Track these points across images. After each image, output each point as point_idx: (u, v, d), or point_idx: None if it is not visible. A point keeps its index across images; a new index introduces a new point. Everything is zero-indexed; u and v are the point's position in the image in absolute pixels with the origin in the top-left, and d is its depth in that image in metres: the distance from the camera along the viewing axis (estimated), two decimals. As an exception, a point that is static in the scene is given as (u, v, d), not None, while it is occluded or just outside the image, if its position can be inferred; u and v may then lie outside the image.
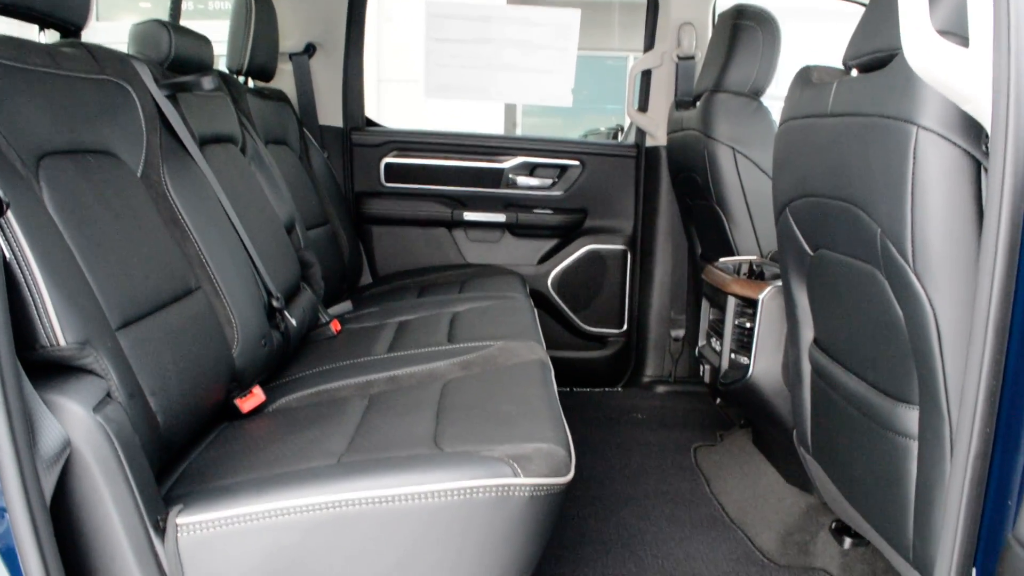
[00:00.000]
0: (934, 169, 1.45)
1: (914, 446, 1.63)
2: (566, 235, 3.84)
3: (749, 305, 2.48)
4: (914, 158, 1.46)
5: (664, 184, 3.73)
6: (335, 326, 2.78)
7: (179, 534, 1.41)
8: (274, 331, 2.31)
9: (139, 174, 1.95)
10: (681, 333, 3.81)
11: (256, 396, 2.04)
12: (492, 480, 1.38)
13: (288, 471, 1.53)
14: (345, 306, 3.14)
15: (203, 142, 2.34)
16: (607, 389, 3.87)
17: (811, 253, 1.99)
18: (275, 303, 2.34)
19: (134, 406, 1.49)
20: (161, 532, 1.42)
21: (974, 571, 1.31)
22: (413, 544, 1.42)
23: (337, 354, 2.42)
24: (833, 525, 2.38)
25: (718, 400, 3.58)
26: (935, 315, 1.48)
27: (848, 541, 2.30)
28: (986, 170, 1.43)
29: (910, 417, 1.63)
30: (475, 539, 1.41)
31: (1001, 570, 1.25)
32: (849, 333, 1.87)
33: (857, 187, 1.64)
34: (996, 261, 1.25)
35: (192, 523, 1.41)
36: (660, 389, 3.84)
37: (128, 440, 1.41)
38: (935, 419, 1.54)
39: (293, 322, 2.40)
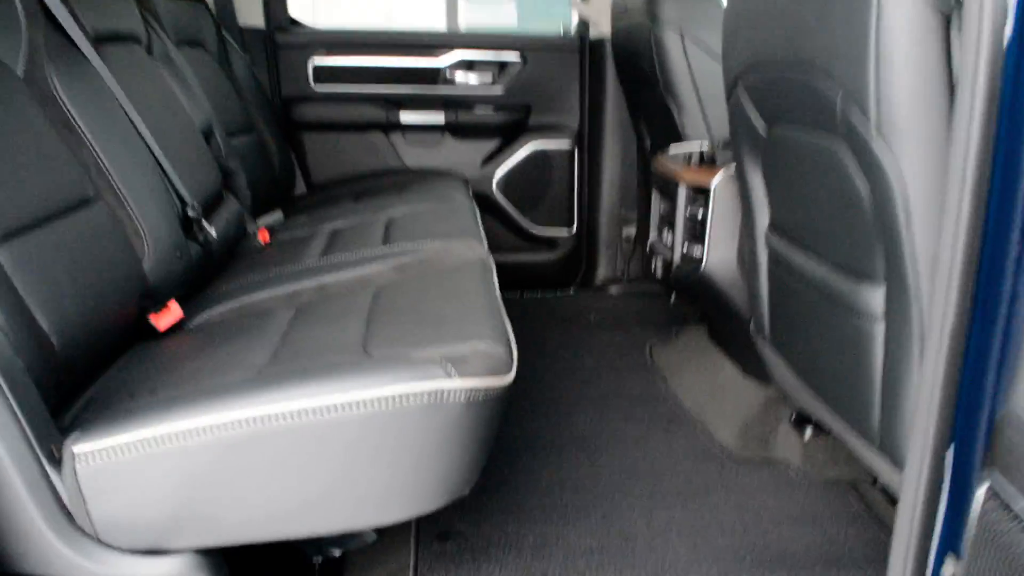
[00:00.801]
0: (899, 20, 1.30)
1: (879, 327, 1.53)
2: (509, 134, 3.65)
3: (701, 193, 2.35)
4: (877, 8, 1.31)
5: (610, 77, 3.54)
6: (263, 236, 2.60)
7: (77, 464, 1.26)
8: (192, 243, 2.13)
9: (20, 74, 1.73)
10: (633, 231, 3.68)
11: (172, 312, 1.86)
12: (424, 384, 1.24)
13: (199, 388, 1.38)
14: (275, 216, 2.95)
15: (99, 40, 2.11)
16: (559, 292, 3.75)
17: (765, 131, 1.84)
18: (190, 212, 2.15)
19: (16, 326, 1.32)
20: (57, 463, 1.27)
21: (950, 451, 1.22)
22: (340, 460, 1.28)
23: (265, 265, 2.25)
24: (793, 416, 2.31)
25: (672, 298, 3.48)
26: (903, 183, 1.35)
27: (808, 431, 2.23)
28: (957, 26, 1.29)
29: (875, 297, 1.52)
30: (409, 450, 1.28)
31: (996, 446, 1.15)
32: (808, 214, 1.74)
33: (816, 48, 1.49)
34: (973, 116, 1.11)
35: (91, 451, 1.26)
36: (613, 290, 3.73)
37: (7, 364, 1.24)
38: (902, 297, 1.43)
39: (213, 232, 2.22)
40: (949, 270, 1.15)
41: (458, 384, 1.25)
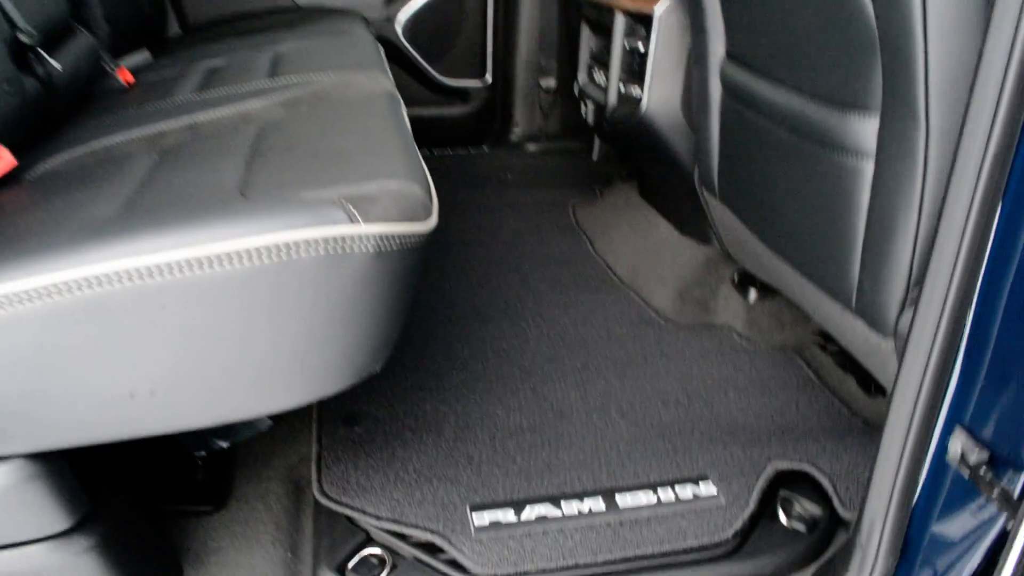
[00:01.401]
0: None
1: (868, 166, 1.29)
2: (416, -31, 3.22)
3: (641, 23, 2.04)
4: None
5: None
6: (124, 76, 2.17)
7: None
8: (27, 76, 1.72)
9: None
10: (552, 83, 3.35)
11: (3, 159, 1.48)
12: (320, 230, 0.93)
13: (23, 247, 1.04)
14: (141, 56, 2.50)
15: None
16: (471, 150, 3.43)
17: (729, -66, 1.54)
18: (23, 38, 1.73)
19: None
20: None
21: (971, 311, 1.00)
22: (212, 332, 0.98)
23: (124, 107, 1.86)
24: (735, 277, 2.10)
25: (595, 156, 3.21)
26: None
27: (754, 293, 2.03)
28: None
29: (865, 129, 1.27)
30: (304, 317, 0.99)
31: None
32: (780, 35, 1.47)
33: None
34: None
35: None
36: (531, 147, 3.42)
37: None
38: (904, 127, 1.18)
39: (56, 65, 1.81)
40: (997, 93, 0.90)
41: (364, 230, 0.95)
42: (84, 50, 2.10)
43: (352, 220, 0.95)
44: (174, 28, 3.22)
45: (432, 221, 1.08)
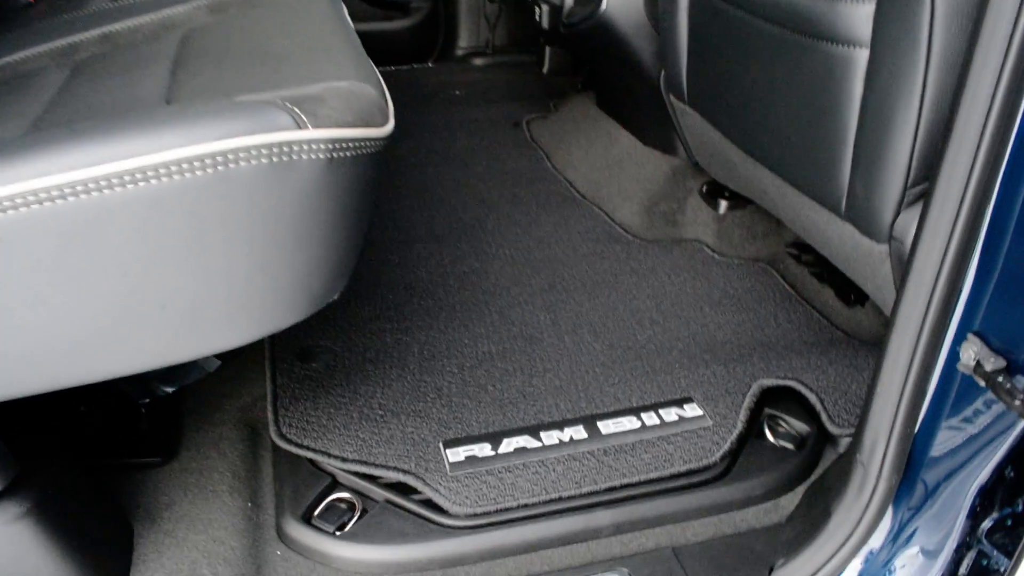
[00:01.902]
0: None
1: (862, 55, 1.18)
2: None
3: (599, -85, 1.89)
4: None
5: None
6: (29, -13, 1.96)
7: None
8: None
9: None
10: (497, -9, 3.17)
11: None
12: (261, 137, 0.80)
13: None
14: (47, -34, 2.27)
15: None
16: (415, 65, 3.24)
17: None
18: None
19: None
20: None
21: (989, 209, 0.91)
22: (143, 260, 0.84)
23: (28, 20, 1.66)
24: (704, 188, 2.00)
25: (546, 68, 3.05)
26: None
27: (723, 204, 1.93)
28: None
29: (859, 14, 1.16)
30: (249, 238, 0.85)
31: None
32: (755, -84, 1.34)
33: None
34: None
35: None
36: (477, 61, 3.25)
37: None
38: (907, 9, 1.07)
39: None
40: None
41: (313, 135, 0.82)
42: (-21, -40, 1.88)
43: (299, 125, 0.82)
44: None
45: (389, 125, 0.95)
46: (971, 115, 0.89)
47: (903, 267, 1.15)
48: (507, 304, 1.67)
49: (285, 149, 0.80)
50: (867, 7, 1.15)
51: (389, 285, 1.73)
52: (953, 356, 1.00)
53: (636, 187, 2.08)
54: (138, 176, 0.79)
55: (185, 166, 0.78)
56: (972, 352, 0.97)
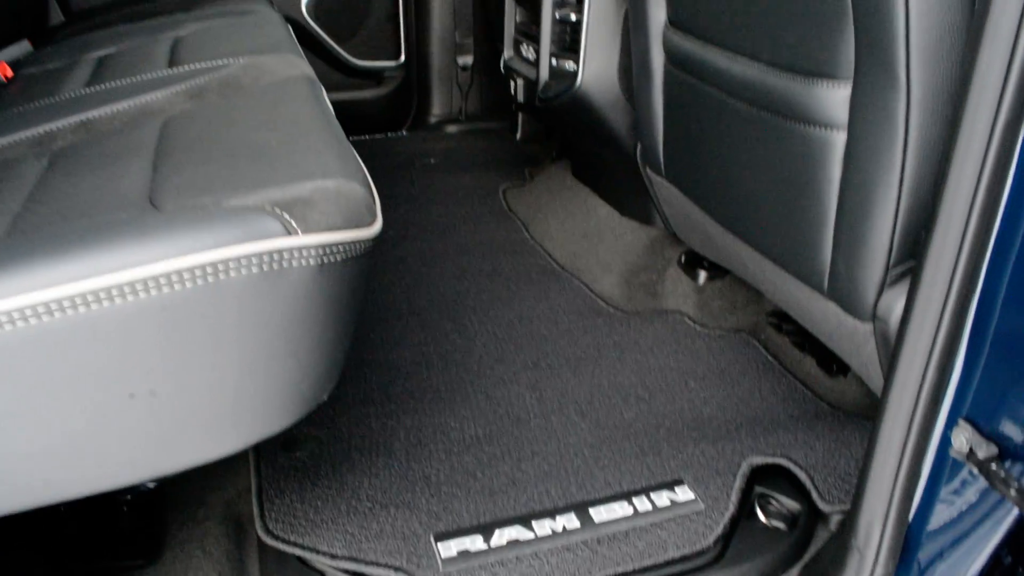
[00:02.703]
0: None
1: (839, 138, 1.20)
2: (317, -56, 3.03)
3: (570, -7, 1.92)
4: None
5: None
6: (2, 70, 1.95)
7: None
8: None
9: None
10: (469, 60, 3.21)
11: None
12: (251, 246, 0.79)
13: None
14: (21, 47, 2.27)
15: None
16: (389, 134, 3.26)
17: None
18: None
19: None
20: None
21: (976, 292, 0.91)
22: (133, 375, 0.82)
23: (4, 106, 1.65)
24: (682, 258, 2.01)
25: (519, 135, 3.09)
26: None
27: (703, 275, 1.94)
28: None
29: (835, 98, 1.18)
30: (239, 349, 0.84)
31: None
32: (733, 0, 1.37)
33: None
34: None
35: None
36: (451, 129, 3.28)
37: None
38: (883, 94, 1.09)
39: (-83, 61, 1.59)
40: (1011, 39, 0.81)
41: (303, 241, 0.81)
42: (-48, 45, 1.87)
43: (289, 231, 0.81)
44: (57, 16, 2.96)
45: (378, 224, 0.94)
46: (956, 199, 0.91)
47: (889, 348, 1.15)
48: (492, 383, 1.66)
49: (276, 257, 0.79)
50: (843, 91, 1.17)
51: (372, 365, 1.71)
52: (945, 441, 1.00)
53: (615, 258, 2.09)
54: (126, 290, 0.77)
55: (175, 278, 0.77)
56: (964, 438, 0.97)
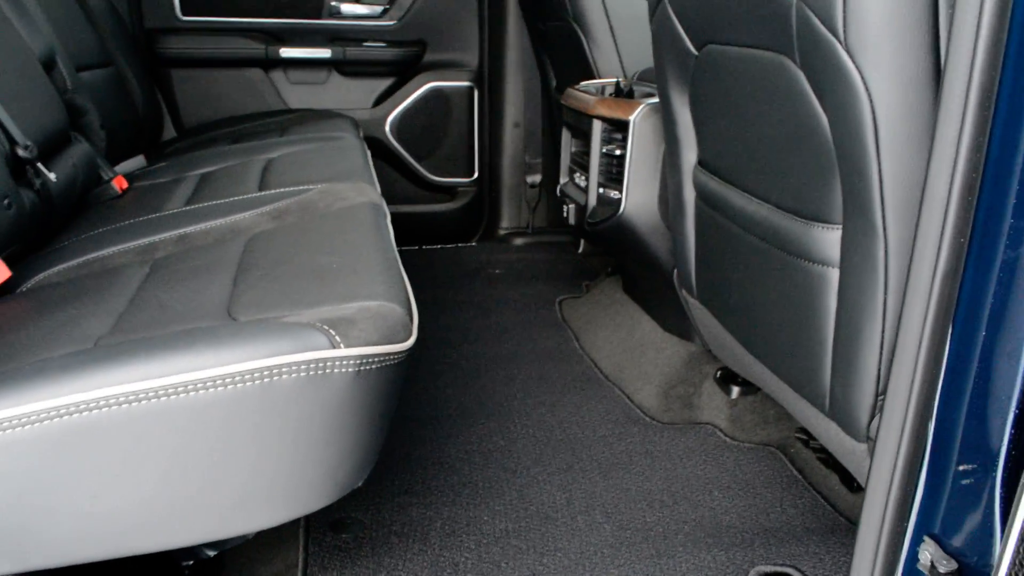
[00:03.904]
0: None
1: (833, 275, 1.34)
2: (403, 72, 3.35)
3: (618, 129, 2.12)
4: None
5: (511, 7, 3.27)
6: (119, 184, 2.24)
7: None
8: (24, 189, 1.77)
9: None
10: (538, 179, 3.45)
11: (-1, 271, 1.53)
12: (300, 355, 0.97)
13: (18, 367, 1.07)
14: (136, 161, 2.59)
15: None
16: (460, 245, 3.50)
17: (696, 52, 1.62)
18: (21, 152, 1.79)
19: None
20: None
21: (931, 426, 1.03)
22: (198, 453, 1.01)
23: (118, 216, 1.91)
24: (718, 374, 2.14)
25: (581, 249, 3.28)
26: (871, 103, 1.15)
27: (736, 390, 2.06)
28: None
29: (829, 240, 1.33)
30: (287, 437, 1.02)
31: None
32: (746, 147, 1.54)
33: (766, -53, 1.27)
34: (980, 26, 0.90)
35: None
36: (518, 241, 3.50)
37: None
38: (865, 240, 1.23)
39: (52, 176, 1.87)
40: (943, 212, 0.96)
41: (344, 353, 0.99)
42: (81, 159, 2.17)
43: (333, 344, 0.99)
44: (170, 131, 3.32)
45: (411, 340, 1.12)
46: (908, 338, 1.03)
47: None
48: (526, 482, 1.79)
49: (320, 365, 0.97)
50: (835, 233, 1.31)
51: (419, 460, 1.87)
52: (913, 556, 1.10)
53: (655, 371, 2.22)
54: (199, 385, 0.96)
55: (238, 377, 0.96)
56: (928, 554, 1.07)
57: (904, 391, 1.03)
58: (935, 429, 1.03)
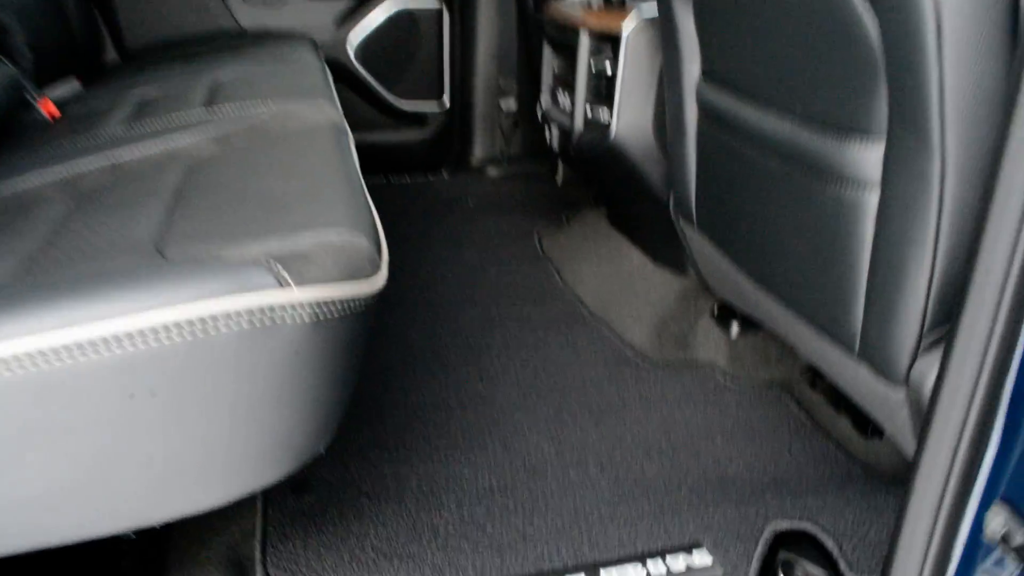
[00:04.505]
0: None
1: (871, 199, 1.15)
2: (367, -10, 3.08)
3: (608, 43, 1.91)
4: None
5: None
6: (48, 108, 1.99)
7: None
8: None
9: None
10: (513, 104, 3.22)
11: None
12: (240, 299, 0.77)
13: None
14: (70, 86, 2.33)
15: None
16: (430, 176, 3.28)
17: (705, -55, 1.41)
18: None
19: None
20: None
21: (1013, 368, 0.86)
22: (125, 425, 0.81)
23: (42, 143, 1.68)
24: (715, 310, 1.97)
25: (559, 179, 3.08)
26: (937, 6, 0.95)
27: (735, 327, 1.89)
28: None
29: (868, 158, 1.14)
30: (224, 404, 0.82)
31: None
32: (765, 55, 1.34)
33: None
34: None
35: None
36: (492, 172, 3.28)
37: None
38: (916, 157, 1.05)
39: (-36, 97, 1.63)
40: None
41: (296, 297, 0.79)
42: (3, 81, 1.92)
43: (281, 283, 0.79)
44: (111, 55, 3.04)
45: (382, 279, 0.92)
46: (991, 267, 0.86)
47: (922, 419, 1.10)
48: (511, 432, 1.62)
49: (267, 312, 0.78)
50: (876, 149, 1.13)
51: (390, 408, 1.69)
52: (979, 523, 0.94)
53: (646, 307, 2.05)
54: (112, 344, 0.76)
55: (161, 332, 0.76)
56: (999, 522, 0.91)
57: (984, 325, 0.86)
58: (1019, 369, 0.86)
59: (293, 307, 0.79)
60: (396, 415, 1.66)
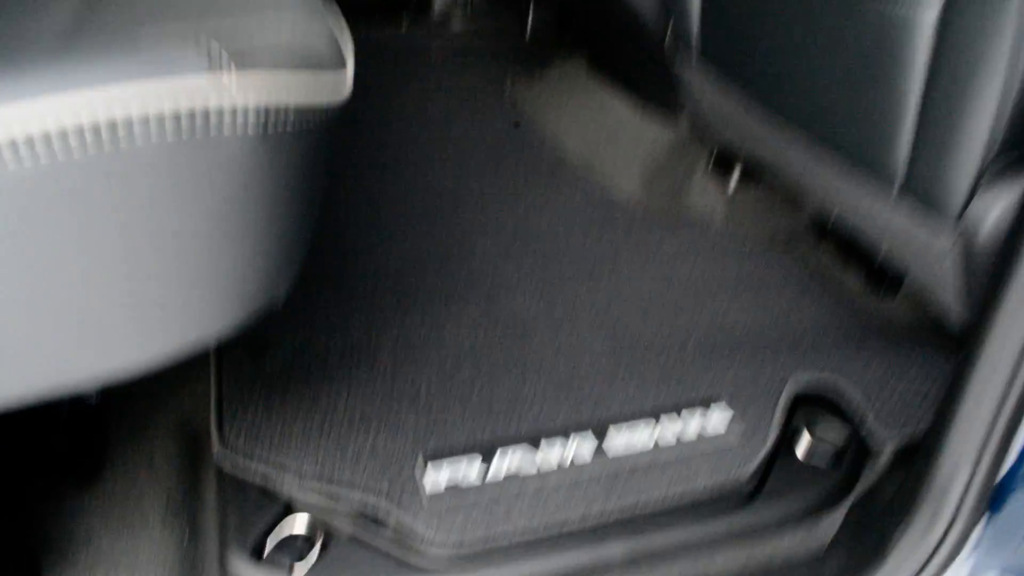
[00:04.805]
0: None
1: (927, 16, 0.97)
2: None
3: None
4: None
5: None
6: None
7: None
8: None
9: None
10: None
11: None
12: (164, 91, 0.56)
13: None
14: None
15: None
16: (386, 29, 2.99)
17: None
18: None
19: None
20: None
21: None
22: (40, 262, 0.61)
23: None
24: (711, 160, 1.79)
25: (528, 33, 2.83)
26: None
27: (733, 180, 1.73)
28: None
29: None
30: (150, 236, 0.62)
31: None
32: None
33: None
34: None
35: None
36: (455, 25, 3.00)
37: None
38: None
39: None
40: None
41: (239, 100, 0.58)
42: None
43: (215, 65, 0.58)
44: None
45: (348, 76, 0.72)
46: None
47: (975, 263, 0.95)
48: (493, 288, 1.46)
49: (200, 121, 0.57)
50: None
51: (358, 265, 1.50)
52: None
53: (634, 159, 1.86)
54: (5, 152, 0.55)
55: (55, 141, 0.55)
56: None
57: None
58: None
59: (234, 112, 0.58)
60: (365, 272, 1.48)
